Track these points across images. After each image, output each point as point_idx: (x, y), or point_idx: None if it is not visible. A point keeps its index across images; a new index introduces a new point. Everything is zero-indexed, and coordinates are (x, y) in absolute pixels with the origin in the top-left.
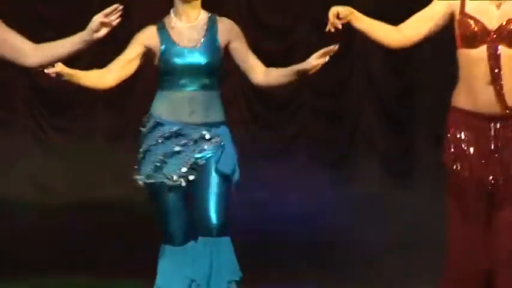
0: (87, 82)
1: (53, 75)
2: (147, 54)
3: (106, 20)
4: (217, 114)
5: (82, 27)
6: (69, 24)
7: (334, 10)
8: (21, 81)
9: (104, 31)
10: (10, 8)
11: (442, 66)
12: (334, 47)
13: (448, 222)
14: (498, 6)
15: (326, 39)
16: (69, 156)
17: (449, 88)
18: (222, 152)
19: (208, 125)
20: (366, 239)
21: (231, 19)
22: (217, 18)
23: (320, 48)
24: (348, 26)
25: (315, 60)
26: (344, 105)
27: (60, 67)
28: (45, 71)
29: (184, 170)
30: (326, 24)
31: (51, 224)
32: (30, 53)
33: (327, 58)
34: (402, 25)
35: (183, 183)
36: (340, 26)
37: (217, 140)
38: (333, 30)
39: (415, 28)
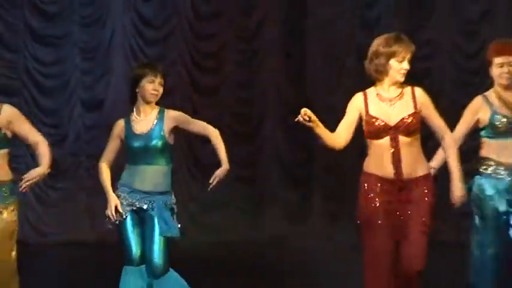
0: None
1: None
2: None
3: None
4: (166, 182)
5: None
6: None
7: (305, 111)
8: (26, 155)
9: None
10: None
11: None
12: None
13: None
14: (392, 107)
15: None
16: (60, 208)
17: (336, 157)
18: (164, 218)
19: (156, 193)
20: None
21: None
22: (165, 110)
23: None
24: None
25: (214, 179)
26: (257, 171)
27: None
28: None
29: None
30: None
31: (46, 258)
32: (38, 147)
33: (215, 182)
34: (338, 132)
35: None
36: (302, 121)
37: (158, 205)
38: (299, 120)
39: (347, 133)
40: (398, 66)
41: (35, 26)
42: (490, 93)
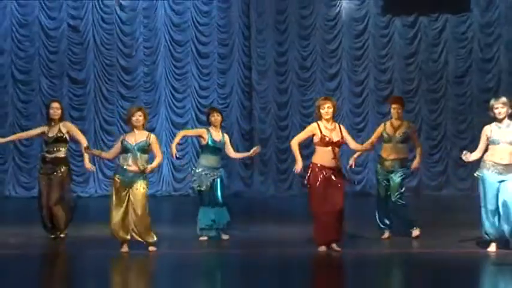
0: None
1: None
2: (198, 136)
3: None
4: (220, 164)
5: None
6: None
7: (297, 170)
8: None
9: None
10: None
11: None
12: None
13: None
14: (332, 131)
15: None
16: None
17: (265, 154)
18: (221, 178)
19: (218, 167)
20: None
21: None
22: (224, 133)
23: None
24: None
25: (254, 151)
26: (228, 162)
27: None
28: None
29: (208, 184)
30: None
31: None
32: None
33: (258, 150)
34: (298, 140)
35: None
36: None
37: (219, 173)
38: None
39: (301, 140)
40: (323, 112)
41: (122, 92)
42: (388, 121)
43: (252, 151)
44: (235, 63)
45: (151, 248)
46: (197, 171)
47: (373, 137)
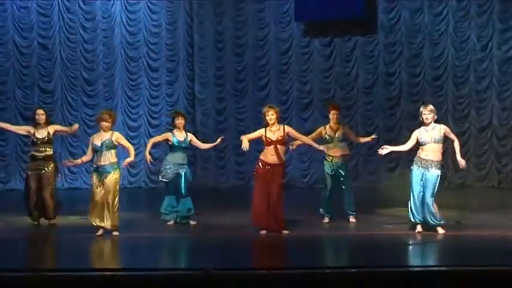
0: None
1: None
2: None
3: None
4: (186, 160)
5: None
6: None
7: (244, 146)
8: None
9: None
10: None
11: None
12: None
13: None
14: (275, 132)
15: None
16: None
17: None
18: (185, 173)
19: (183, 163)
20: None
21: None
22: (188, 132)
23: None
24: None
25: (219, 141)
26: None
27: None
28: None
29: (171, 176)
30: None
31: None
32: (129, 149)
33: (221, 140)
34: (249, 139)
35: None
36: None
37: (183, 169)
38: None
39: (252, 140)
40: (268, 118)
41: (85, 100)
42: (327, 125)
43: (217, 141)
44: (181, 76)
45: (115, 233)
46: (165, 167)
47: (314, 134)
